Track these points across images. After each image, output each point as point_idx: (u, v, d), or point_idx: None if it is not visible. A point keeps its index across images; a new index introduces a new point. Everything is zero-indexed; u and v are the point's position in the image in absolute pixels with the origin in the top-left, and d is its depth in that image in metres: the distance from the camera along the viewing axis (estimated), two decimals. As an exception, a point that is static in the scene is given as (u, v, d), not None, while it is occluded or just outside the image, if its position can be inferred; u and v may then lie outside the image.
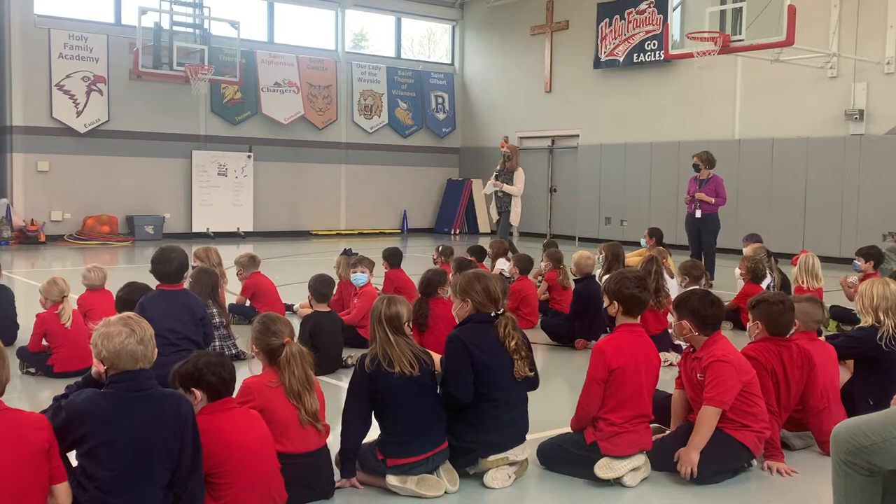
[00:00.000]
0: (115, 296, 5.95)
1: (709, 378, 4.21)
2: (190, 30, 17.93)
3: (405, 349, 4.02)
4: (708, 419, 4.16)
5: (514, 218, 13.31)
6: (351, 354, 6.73)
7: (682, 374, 4.51)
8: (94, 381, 3.46)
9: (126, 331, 3.21)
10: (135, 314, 3.39)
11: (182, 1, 18.07)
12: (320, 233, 20.88)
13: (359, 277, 7.60)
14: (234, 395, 3.65)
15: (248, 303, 8.36)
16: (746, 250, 9.09)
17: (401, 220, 22.38)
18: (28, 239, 16.64)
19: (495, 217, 13.93)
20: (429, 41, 24.26)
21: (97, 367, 3.36)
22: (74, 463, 3.21)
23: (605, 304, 4.51)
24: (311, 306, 6.74)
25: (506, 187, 13.23)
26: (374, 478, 4.04)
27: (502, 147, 13.71)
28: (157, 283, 5.67)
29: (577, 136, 20.31)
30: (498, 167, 13.56)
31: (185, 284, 5.97)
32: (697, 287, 6.90)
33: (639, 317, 4.43)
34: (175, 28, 17.60)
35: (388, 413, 4.01)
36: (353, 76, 21.49)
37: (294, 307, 8.78)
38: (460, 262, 7.65)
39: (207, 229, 19.04)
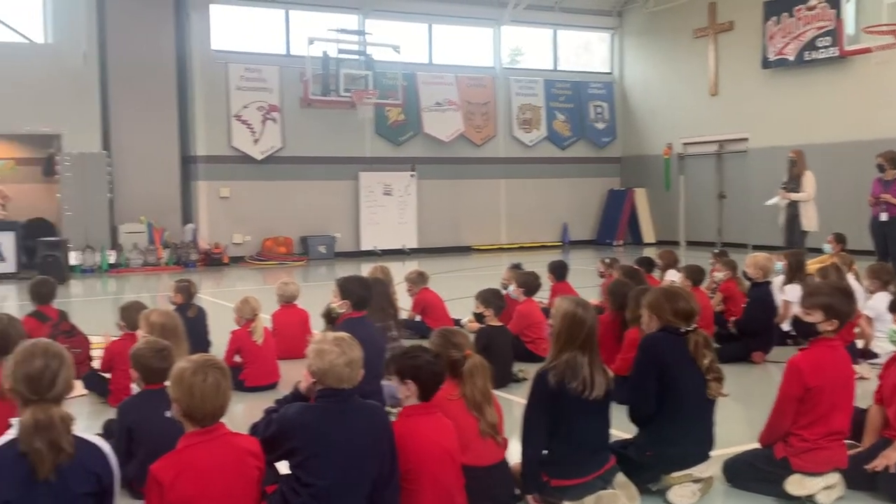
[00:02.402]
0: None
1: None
2: (355, 56, 18.65)
3: (595, 363, 3.91)
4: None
5: (809, 223, 12.31)
6: (521, 368, 6.77)
7: (886, 383, 4.24)
8: (301, 396, 3.68)
9: (337, 351, 3.39)
10: (350, 336, 3.55)
11: (347, 29, 18.84)
12: (481, 248, 21.10)
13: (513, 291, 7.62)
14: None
15: (417, 318, 8.57)
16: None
17: (561, 232, 22.27)
18: (213, 261, 17.79)
19: (781, 224, 12.92)
20: (585, 51, 24.08)
21: (306, 379, 3.56)
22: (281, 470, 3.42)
23: (808, 316, 4.16)
24: (480, 321, 6.83)
25: (793, 196, 12.47)
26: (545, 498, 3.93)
27: (791, 155, 12.89)
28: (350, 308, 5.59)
29: (747, 139, 19.53)
30: (785, 178, 12.82)
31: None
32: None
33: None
34: (341, 56, 18.35)
35: (559, 431, 3.91)
36: (510, 91, 21.66)
37: (461, 322, 8.91)
38: (627, 271, 7.53)
39: (375, 247, 19.67)
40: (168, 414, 3.43)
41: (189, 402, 3.11)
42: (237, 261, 18.31)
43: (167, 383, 4.15)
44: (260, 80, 18.74)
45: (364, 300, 5.58)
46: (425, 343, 4.04)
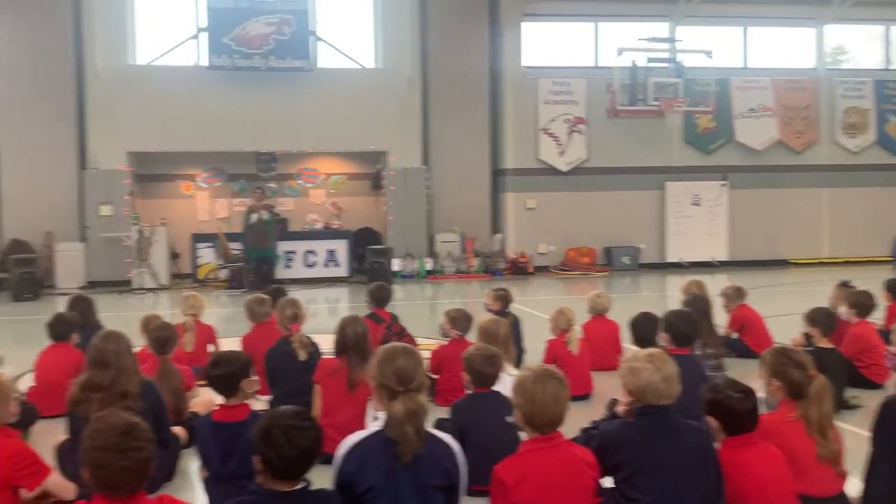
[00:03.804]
0: None
1: None
2: (664, 64, 18.32)
3: None
4: None
5: None
6: (855, 395, 6.27)
7: None
8: (616, 415, 3.72)
9: (651, 367, 3.40)
10: (661, 351, 3.55)
11: (658, 37, 18.59)
12: (800, 261, 19.71)
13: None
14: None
15: (734, 335, 8.23)
16: None
17: (893, 246, 20.14)
18: (519, 270, 18.38)
19: None
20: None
21: (624, 398, 3.60)
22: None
23: None
24: (808, 342, 6.41)
25: None
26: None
27: None
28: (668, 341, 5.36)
29: None
30: None
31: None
32: None
33: None
34: (650, 64, 18.15)
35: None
36: (834, 93, 20.05)
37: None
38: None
39: (681, 259, 19.16)
40: (509, 419, 3.61)
41: (530, 409, 3.27)
42: (542, 270, 18.74)
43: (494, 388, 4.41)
44: (567, 92, 19.07)
45: (688, 337, 5.34)
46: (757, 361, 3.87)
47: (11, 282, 15.27)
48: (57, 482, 3.78)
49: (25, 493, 3.76)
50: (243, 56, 17.56)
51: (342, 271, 17.37)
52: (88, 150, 17.34)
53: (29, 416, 5.15)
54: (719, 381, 3.69)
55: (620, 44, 18.29)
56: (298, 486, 2.95)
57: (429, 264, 18.07)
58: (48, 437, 4.99)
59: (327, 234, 17.78)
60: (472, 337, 6.17)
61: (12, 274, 15.24)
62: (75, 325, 6.60)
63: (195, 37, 18.32)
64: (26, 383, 6.35)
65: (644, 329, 5.63)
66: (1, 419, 3.73)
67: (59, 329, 6.44)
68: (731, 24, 19.89)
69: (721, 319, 8.72)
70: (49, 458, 3.92)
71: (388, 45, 18.80)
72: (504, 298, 7.82)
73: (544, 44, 19.40)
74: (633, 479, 3.31)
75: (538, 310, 11.70)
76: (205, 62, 17.77)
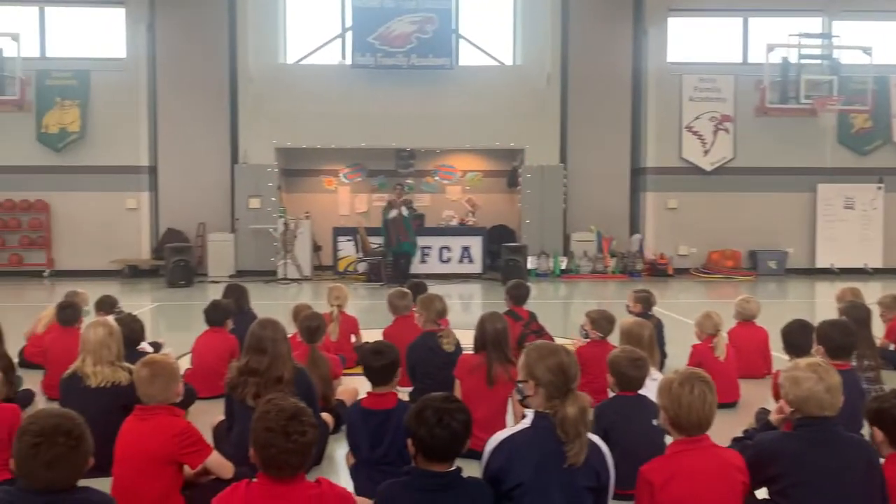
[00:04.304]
0: None
1: None
2: (818, 61, 17.48)
3: None
4: None
5: None
6: None
7: None
8: (772, 426, 3.59)
9: (814, 377, 3.27)
10: (824, 361, 3.41)
11: (811, 33, 17.73)
12: (965, 271, 18.39)
13: None
14: None
15: (891, 346, 7.76)
16: None
17: None
18: (657, 271, 17.96)
19: None
20: None
21: (783, 407, 3.46)
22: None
23: None
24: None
25: None
26: None
27: None
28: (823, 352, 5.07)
29: None
30: None
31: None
32: None
33: None
34: (803, 61, 17.35)
35: None
36: None
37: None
38: None
39: (832, 265, 18.23)
40: (655, 422, 3.56)
41: (676, 412, 3.22)
42: (681, 272, 18.25)
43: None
44: (714, 89, 18.48)
45: (845, 349, 5.01)
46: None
47: (166, 269, 16.21)
48: (217, 461, 3.97)
49: (188, 470, 3.98)
50: (386, 54, 17.95)
51: (476, 268, 17.48)
52: (240, 146, 18.16)
53: (189, 397, 5.43)
54: (885, 391, 3.51)
55: (771, 39, 17.56)
56: (452, 469, 3.02)
57: (563, 263, 17.93)
58: (204, 417, 5.24)
59: (462, 230, 17.96)
60: (613, 339, 6.08)
61: (167, 261, 16.17)
62: (230, 311, 6.92)
63: (341, 36, 18.88)
64: (183, 366, 6.71)
65: (798, 337, 5.38)
66: (168, 398, 3.96)
67: (215, 315, 6.77)
68: (890, 19, 18.73)
69: (878, 330, 8.27)
70: (206, 438, 4.12)
71: (527, 43, 18.76)
72: (646, 300, 7.67)
73: (690, 40, 18.85)
74: (789, 491, 3.20)
75: (678, 313, 11.42)
76: (349, 61, 18.27)
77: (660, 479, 3.16)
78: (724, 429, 4.71)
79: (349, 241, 17.30)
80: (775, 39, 17.53)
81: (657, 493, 3.14)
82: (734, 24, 18.92)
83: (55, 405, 4.66)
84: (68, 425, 2.77)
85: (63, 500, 2.75)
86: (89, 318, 6.88)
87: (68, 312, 6.79)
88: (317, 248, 18.05)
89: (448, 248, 17.55)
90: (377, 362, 4.30)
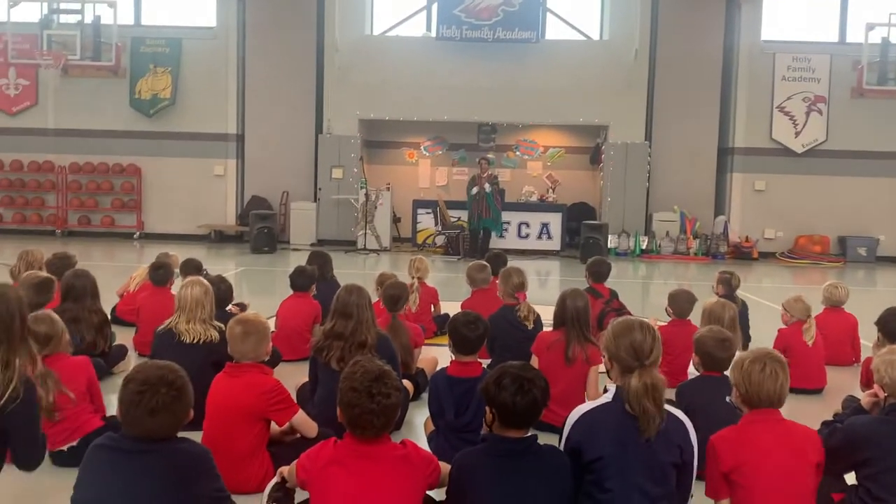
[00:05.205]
0: None
1: None
2: (921, 40, 16.73)
3: None
4: None
5: None
6: None
7: None
8: (863, 410, 3.51)
9: None
10: (918, 343, 3.33)
11: (910, 11, 16.99)
12: None
13: None
14: None
15: None
16: None
17: None
18: (742, 254, 17.56)
19: None
20: None
21: (877, 392, 3.39)
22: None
23: None
24: None
25: None
26: None
27: None
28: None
29: None
30: None
31: None
32: None
33: None
34: (905, 41, 16.63)
35: None
36: None
37: None
38: None
39: (926, 254, 17.55)
40: (728, 399, 3.55)
41: (747, 388, 3.24)
42: (767, 256, 17.81)
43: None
44: (808, 69, 17.87)
45: None
46: None
47: (250, 235, 16.60)
48: (303, 419, 4.09)
49: (274, 428, 4.12)
50: (472, 27, 17.87)
51: (555, 244, 17.39)
52: (324, 116, 18.39)
53: (275, 358, 5.59)
54: None
55: (871, 18, 16.85)
56: (529, 435, 3.06)
57: (644, 242, 17.68)
58: (288, 380, 5.38)
59: (542, 206, 17.83)
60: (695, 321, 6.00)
61: (252, 228, 16.56)
62: (314, 277, 7.08)
63: (426, 8, 18.87)
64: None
65: (894, 325, 5.24)
66: (259, 356, 4.09)
67: (300, 281, 6.94)
68: None
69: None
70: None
71: (616, 17, 18.42)
72: (728, 282, 7.55)
73: (785, 17, 18.24)
74: (880, 476, 3.15)
75: (762, 297, 11.19)
76: (434, 33, 18.26)
77: (729, 449, 3.17)
78: (812, 415, 4.63)
79: (428, 213, 17.40)
80: (875, 18, 16.83)
81: (725, 463, 3.15)
82: (832, 2, 18.22)
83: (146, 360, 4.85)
84: (171, 377, 2.90)
85: (163, 448, 2.88)
86: (179, 280, 7.13)
87: (161, 273, 7.05)
88: (396, 220, 18.21)
89: (527, 224, 17.49)
90: (473, 333, 4.40)
